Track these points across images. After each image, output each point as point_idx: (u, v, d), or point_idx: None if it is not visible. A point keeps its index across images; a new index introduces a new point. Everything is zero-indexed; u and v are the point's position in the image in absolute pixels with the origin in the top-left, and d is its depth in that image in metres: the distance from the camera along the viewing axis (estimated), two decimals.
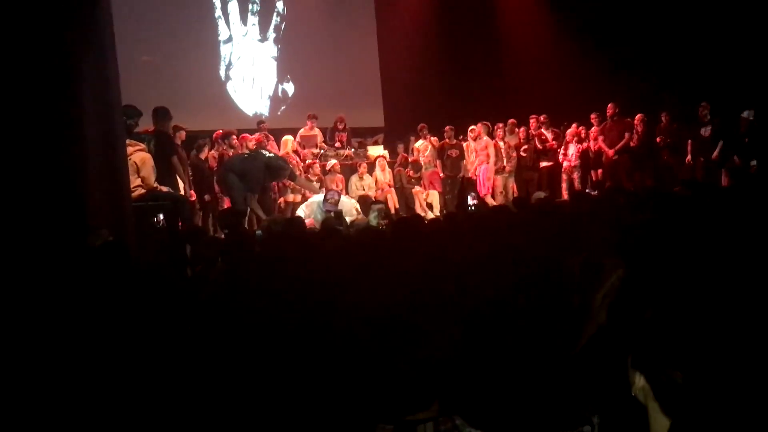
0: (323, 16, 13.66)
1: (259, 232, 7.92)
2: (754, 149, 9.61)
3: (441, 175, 11.41)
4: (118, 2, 7.38)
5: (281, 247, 3.67)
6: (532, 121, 11.88)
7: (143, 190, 6.75)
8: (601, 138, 11.16)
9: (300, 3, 13.60)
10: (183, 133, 8.95)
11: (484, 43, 14.08)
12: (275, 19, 13.40)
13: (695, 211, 4.53)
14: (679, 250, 2.57)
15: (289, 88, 13.44)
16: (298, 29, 13.49)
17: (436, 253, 3.50)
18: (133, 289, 2.10)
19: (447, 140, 11.50)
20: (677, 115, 10.78)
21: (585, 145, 11.34)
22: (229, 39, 12.94)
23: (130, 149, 6.61)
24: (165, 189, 7.09)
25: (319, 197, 9.09)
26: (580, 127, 11.45)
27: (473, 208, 7.92)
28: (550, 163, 11.58)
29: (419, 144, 11.55)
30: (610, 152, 10.94)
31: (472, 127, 11.35)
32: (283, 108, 13.36)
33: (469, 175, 11.36)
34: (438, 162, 11.47)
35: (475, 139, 11.33)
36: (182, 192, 7.76)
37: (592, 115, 11.34)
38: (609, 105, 11.06)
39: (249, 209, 8.85)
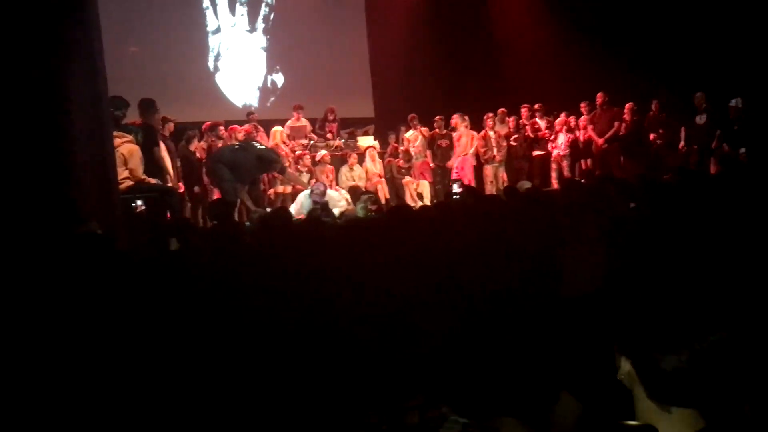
0: (312, 6, 13.58)
1: (248, 223, 7.91)
2: (743, 137, 9.67)
3: (431, 165, 11.41)
4: None
5: (270, 238, 3.65)
6: (523, 110, 11.88)
7: (131, 182, 6.70)
8: (590, 127, 11.20)
9: None
10: (171, 125, 8.91)
11: (474, 32, 14.03)
12: (264, 10, 13.32)
13: (685, 198, 4.54)
14: (668, 237, 2.57)
15: (279, 78, 13.38)
16: (287, 19, 13.41)
17: (429, 243, 3.50)
18: (114, 278, 2.09)
19: (437, 130, 11.49)
20: (668, 104, 10.81)
21: (575, 134, 11.37)
22: (218, 30, 12.86)
23: (117, 141, 6.56)
24: (153, 181, 7.05)
25: (307, 192, 9.07)
26: (570, 116, 11.47)
27: (458, 196, 7.88)
28: (542, 152, 11.59)
29: (409, 134, 11.53)
30: (600, 141, 10.98)
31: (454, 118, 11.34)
32: (272, 99, 13.30)
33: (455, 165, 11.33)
34: (428, 152, 11.46)
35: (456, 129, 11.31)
36: (171, 184, 7.72)
37: (582, 104, 11.38)
38: (598, 94, 11.09)
39: (239, 200, 8.82)
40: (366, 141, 11.84)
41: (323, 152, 10.74)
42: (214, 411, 2.02)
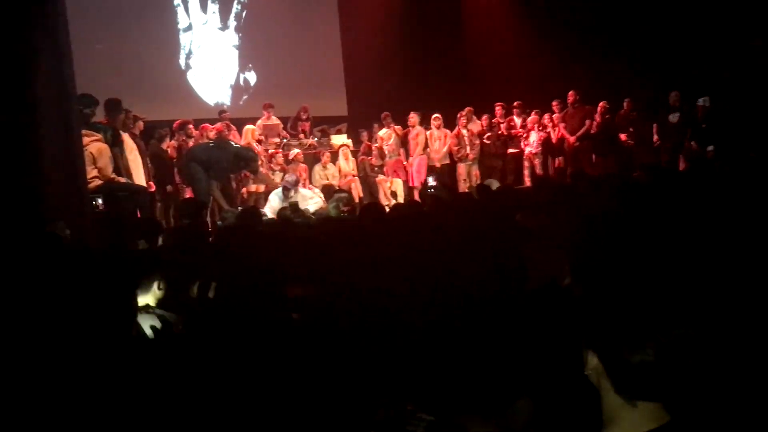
0: (285, 4, 13.53)
1: (220, 222, 7.83)
2: (710, 135, 9.84)
3: (405, 163, 11.42)
4: None
5: (236, 238, 3.63)
6: (497, 108, 11.93)
7: (100, 181, 6.61)
8: (562, 125, 11.28)
9: None
10: (141, 123, 8.79)
11: (447, 31, 14.08)
12: (236, 7, 13.23)
13: (653, 195, 4.60)
14: (635, 233, 2.60)
15: (251, 77, 13.30)
16: (260, 17, 13.33)
17: (400, 240, 3.49)
18: (68, 276, 2.05)
19: (410, 128, 11.50)
20: (642, 103, 10.92)
21: (547, 132, 11.46)
22: (189, 27, 12.75)
23: (86, 139, 6.47)
24: (123, 180, 6.96)
25: (278, 191, 9.00)
26: (545, 114, 11.55)
27: (432, 190, 7.90)
28: (516, 150, 11.66)
29: (383, 132, 11.53)
30: (572, 139, 11.07)
31: (436, 115, 11.37)
32: (245, 97, 13.22)
33: (434, 162, 11.34)
34: (402, 150, 11.47)
35: (413, 128, 11.35)
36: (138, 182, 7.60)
37: (554, 103, 11.47)
38: (570, 92, 11.16)
39: (212, 199, 8.75)
40: (339, 139, 11.82)
41: (296, 151, 10.70)
42: (179, 415, 1.99)
